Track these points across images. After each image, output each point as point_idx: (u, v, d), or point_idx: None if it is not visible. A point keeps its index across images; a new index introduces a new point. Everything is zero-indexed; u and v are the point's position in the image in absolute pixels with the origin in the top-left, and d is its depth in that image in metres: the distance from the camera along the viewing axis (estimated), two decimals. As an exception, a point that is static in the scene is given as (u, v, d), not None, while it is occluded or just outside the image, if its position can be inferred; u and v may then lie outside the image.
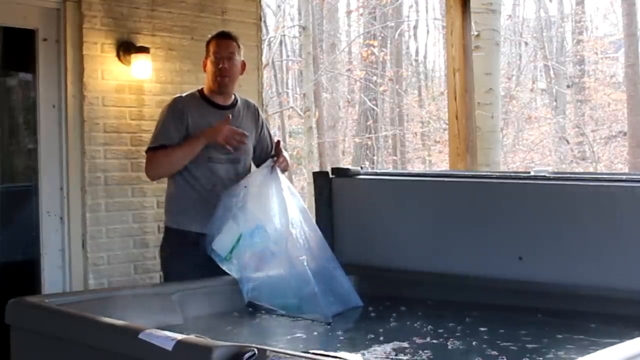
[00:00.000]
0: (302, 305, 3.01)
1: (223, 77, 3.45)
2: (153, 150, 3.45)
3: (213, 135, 3.33)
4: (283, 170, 3.37)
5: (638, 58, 14.34)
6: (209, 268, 3.18)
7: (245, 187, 3.30)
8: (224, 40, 3.50)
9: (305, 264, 3.05)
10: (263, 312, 3.05)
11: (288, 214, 3.18)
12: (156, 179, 3.80)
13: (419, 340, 2.57)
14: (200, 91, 3.53)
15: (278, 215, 3.21)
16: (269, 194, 3.25)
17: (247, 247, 3.17)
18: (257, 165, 3.56)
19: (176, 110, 3.44)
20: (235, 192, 3.27)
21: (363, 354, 2.38)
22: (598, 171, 14.04)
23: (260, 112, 3.74)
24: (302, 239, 3.14)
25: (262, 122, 3.65)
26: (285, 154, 3.44)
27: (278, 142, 3.49)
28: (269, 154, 3.53)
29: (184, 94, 3.58)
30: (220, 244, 3.18)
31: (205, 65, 3.52)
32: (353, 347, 2.61)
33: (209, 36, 3.65)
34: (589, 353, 1.91)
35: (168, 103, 3.54)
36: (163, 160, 3.43)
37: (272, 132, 3.91)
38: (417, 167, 16.87)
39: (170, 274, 3.48)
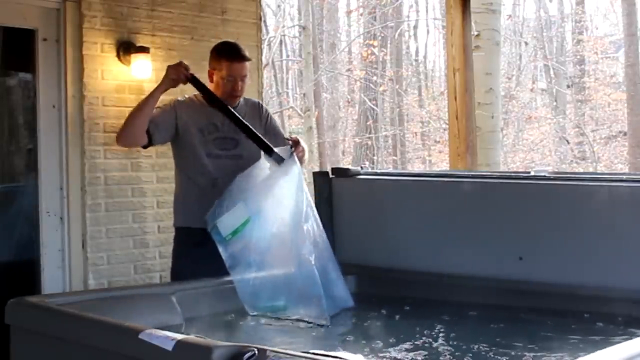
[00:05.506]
0: (300, 306, 3.00)
1: (237, 97, 3.51)
2: None
3: (165, 78, 3.36)
4: (300, 160, 3.34)
5: (638, 58, 14.34)
6: (216, 266, 3.15)
7: (262, 169, 3.26)
8: (240, 63, 3.48)
9: (313, 263, 3.03)
10: (263, 312, 3.05)
11: (303, 207, 3.13)
12: (124, 143, 3.67)
13: (418, 340, 2.57)
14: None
15: (289, 207, 3.16)
16: (284, 183, 3.22)
17: (250, 234, 3.11)
18: None
19: (169, 107, 3.48)
20: (252, 174, 3.24)
21: (363, 354, 2.38)
22: (598, 171, 14.05)
23: (264, 106, 3.78)
24: (311, 236, 3.12)
25: (267, 113, 3.69)
26: (303, 144, 3.41)
27: (297, 140, 3.41)
28: (283, 139, 3.50)
29: (183, 98, 3.56)
30: (225, 223, 3.12)
31: (211, 76, 3.50)
32: (353, 347, 2.61)
33: (214, 40, 3.59)
34: (589, 353, 1.91)
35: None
36: (127, 120, 3.41)
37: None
38: (417, 167, 16.87)
39: (177, 273, 3.50)
